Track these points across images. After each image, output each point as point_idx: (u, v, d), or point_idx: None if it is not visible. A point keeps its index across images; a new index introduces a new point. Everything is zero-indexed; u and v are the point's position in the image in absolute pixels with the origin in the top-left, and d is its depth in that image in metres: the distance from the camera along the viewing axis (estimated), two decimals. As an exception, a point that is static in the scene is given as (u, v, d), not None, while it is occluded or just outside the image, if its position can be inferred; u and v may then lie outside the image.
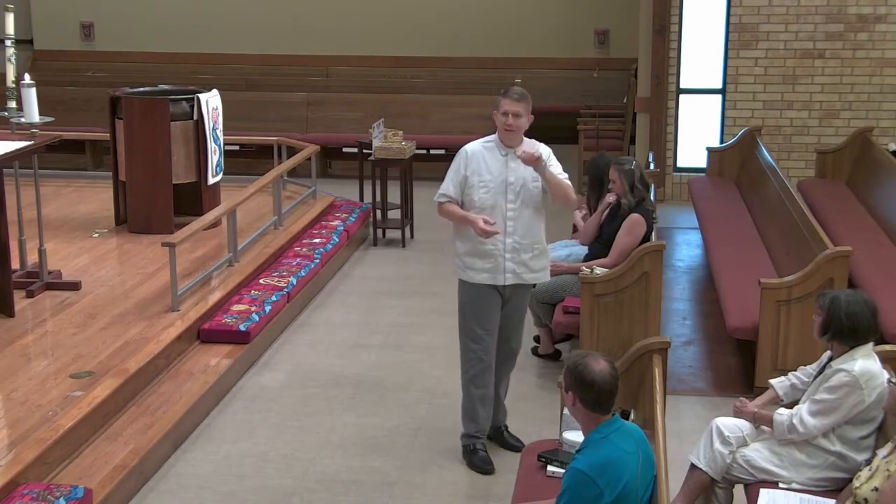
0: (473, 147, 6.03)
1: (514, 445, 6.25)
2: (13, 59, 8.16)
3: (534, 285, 6.38)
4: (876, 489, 4.31)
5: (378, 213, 10.70)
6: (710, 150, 11.32)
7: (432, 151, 13.12)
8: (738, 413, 5.20)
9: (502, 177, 5.93)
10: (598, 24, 15.43)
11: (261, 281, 8.50)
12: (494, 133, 6.05)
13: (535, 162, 5.79)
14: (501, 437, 6.35)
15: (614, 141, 12.70)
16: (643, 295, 6.93)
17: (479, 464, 6.06)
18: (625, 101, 13.58)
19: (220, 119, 9.91)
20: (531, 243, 6.02)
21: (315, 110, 14.00)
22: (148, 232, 9.41)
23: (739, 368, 7.47)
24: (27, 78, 7.93)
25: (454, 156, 6.14)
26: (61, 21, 16.20)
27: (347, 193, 11.46)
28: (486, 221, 5.84)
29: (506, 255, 5.96)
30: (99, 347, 6.99)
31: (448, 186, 6.03)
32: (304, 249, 9.38)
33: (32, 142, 7.76)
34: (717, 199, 10.28)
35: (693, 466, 5.11)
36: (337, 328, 8.36)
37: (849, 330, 4.89)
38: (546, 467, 5.07)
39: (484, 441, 6.18)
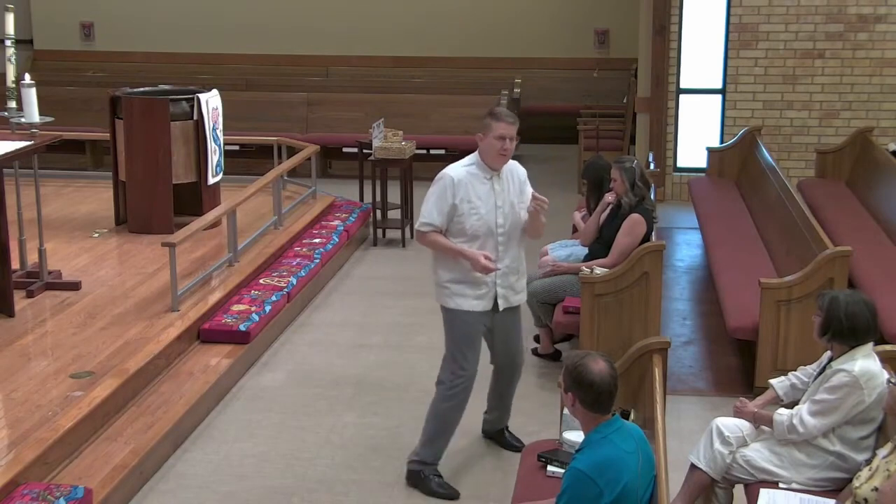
0: (458, 173, 5.72)
1: (514, 445, 6.23)
2: (13, 59, 8.16)
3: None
4: (876, 489, 4.31)
5: (378, 213, 10.70)
6: (710, 150, 11.32)
7: (432, 151, 13.13)
8: (738, 413, 5.20)
9: (491, 201, 5.71)
10: (598, 24, 15.45)
11: (261, 281, 8.50)
12: (474, 153, 5.79)
13: (545, 211, 5.72)
14: (502, 438, 6.32)
15: (614, 141, 12.70)
16: (643, 295, 6.93)
17: (442, 489, 5.81)
18: (625, 101, 13.58)
19: (220, 119, 9.91)
20: (517, 266, 5.88)
21: (315, 110, 14.01)
22: (148, 232, 9.42)
23: (739, 368, 7.47)
24: (27, 78, 7.93)
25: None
26: (61, 21, 16.22)
27: (347, 193, 11.46)
28: (487, 258, 5.62)
29: (497, 281, 5.76)
30: (99, 347, 6.99)
31: (432, 215, 5.71)
32: (304, 249, 9.38)
33: (32, 142, 7.77)
34: (717, 199, 10.28)
35: (693, 466, 5.11)
36: (337, 328, 8.36)
37: (848, 330, 4.89)
38: (546, 467, 5.07)
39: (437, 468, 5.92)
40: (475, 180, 5.72)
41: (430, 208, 5.74)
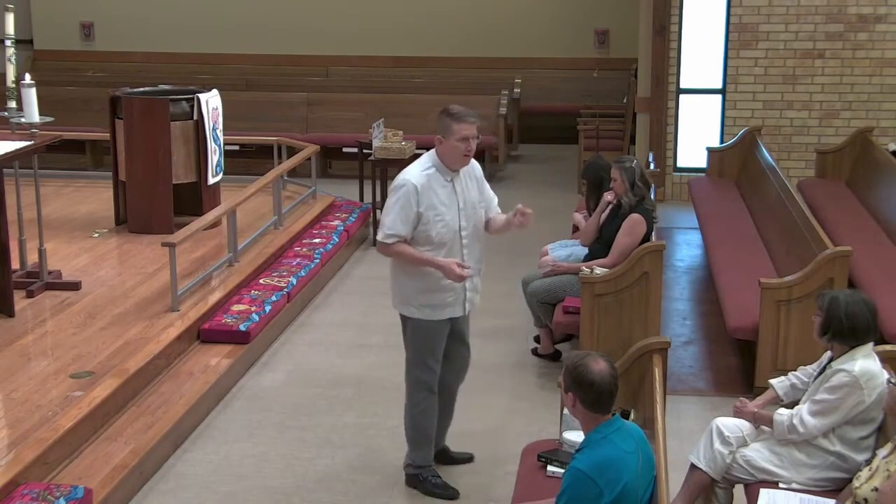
0: (419, 179, 5.48)
1: (465, 458, 6.14)
2: (13, 59, 8.16)
3: None
4: (876, 489, 4.31)
5: (378, 213, 10.69)
6: (710, 150, 11.32)
7: (432, 151, 13.11)
8: (738, 413, 5.20)
9: (454, 205, 5.53)
10: (598, 24, 15.45)
11: (261, 281, 8.50)
12: (429, 155, 5.59)
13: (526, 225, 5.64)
14: (448, 455, 6.12)
15: (614, 141, 12.69)
16: (643, 295, 6.93)
17: (442, 489, 5.81)
18: (625, 101, 13.58)
19: (220, 119, 9.91)
20: (480, 266, 5.76)
21: (315, 110, 14.00)
22: (148, 232, 9.41)
23: (739, 368, 7.47)
24: (27, 78, 7.93)
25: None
26: (61, 21, 16.22)
27: (347, 193, 11.46)
28: (460, 265, 5.44)
29: (466, 284, 5.59)
30: (99, 347, 6.99)
31: (396, 225, 5.47)
32: (304, 249, 9.38)
33: (32, 142, 7.77)
34: (717, 199, 10.28)
35: (693, 466, 5.11)
36: (337, 328, 8.36)
37: (848, 330, 4.89)
38: (546, 467, 5.07)
39: (434, 468, 5.92)
40: (436, 185, 5.51)
41: (393, 219, 5.49)
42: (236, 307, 7.86)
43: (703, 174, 11.39)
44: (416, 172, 5.55)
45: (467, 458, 6.15)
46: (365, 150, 10.87)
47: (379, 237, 5.59)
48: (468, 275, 5.53)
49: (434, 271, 5.53)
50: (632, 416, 5.02)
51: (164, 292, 7.88)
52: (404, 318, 5.76)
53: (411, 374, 5.80)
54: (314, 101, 14.07)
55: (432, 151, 5.63)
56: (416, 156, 10.77)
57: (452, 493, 5.80)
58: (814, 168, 11.23)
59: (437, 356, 5.74)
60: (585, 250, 7.60)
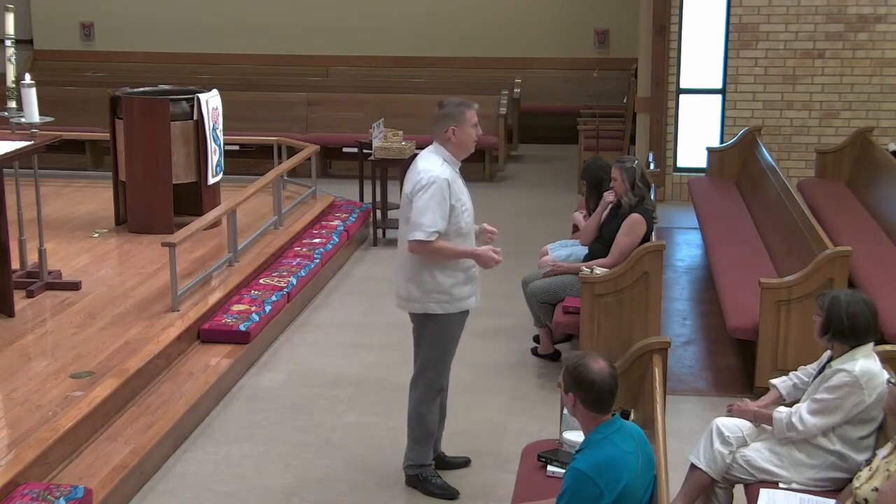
0: (446, 172, 5.53)
1: (461, 462, 6.12)
2: (13, 59, 8.16)
3: None
4: (876, 489, 4.31)
5: (378, 213, 10.70)
6: (710, 150, 11.31)
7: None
8: (736, 413, 5.20)
9: (466, 193, 5.67)
10: (598, 24, 15.45)
11: (261, 281, 8.50)
12: (436, 151, 5.62)
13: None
14: (445, 461, 6.09)
15: (614, 141, 12.70)
16: (643, 295, 6.93)
17: (442, 489, 5.81)
18: (625, 101, 13.58)
19: (220, 119, 9.91)
20: None
21: (315, 110, 14.01)
22: (148, 232, 9.41)
23: (739, 368, 7.47)
24: (27, 78, 7.93)
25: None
26: (61, 21, 16.23)
27: (347, 193, 11.46)
28: (494, 251, 5.58)
29: (477, 272, 5.74)
30: (99, 347, 6.99)
31: (437, 221, 5.45)
32: (304, 249, 9.38)
33: (32, 142, 7.77)
34: (717, 199, 10.28)
35: (693, 466, 5.11)
36: (337, 328, 8.36)
37: (849, 330, 4.89)
38: (546, 467, 5.07)
39: (433, 468, 5.93)
40: (453, 175, 5.60)
41: (433, 215, 5.44)
42: (236, 307, 7.86)
43: (703, 174, 11.39)
44: (440, 166, 5.56)
45: (463, 463, 6.14)
46: (365, 150, 10.87)
47: (419, 237, 5.46)
48: (500, 259, 5.62)
49: (463, 261, 5.61)
50: (632, 416, 5.02)
51: (164, 292, 7.88)
52: (425, 319, 5.68)
53: (425, 375, 5.77)
54: (314, 101, 14.07)
55: (437, 146, 5.65)
56: (415, 156, 10.83)
57: (452, 493, 5.80)
58: (814, 168, 11.23)
59: (454, 352, 5.81)
60: (585, 250, 7.60)
